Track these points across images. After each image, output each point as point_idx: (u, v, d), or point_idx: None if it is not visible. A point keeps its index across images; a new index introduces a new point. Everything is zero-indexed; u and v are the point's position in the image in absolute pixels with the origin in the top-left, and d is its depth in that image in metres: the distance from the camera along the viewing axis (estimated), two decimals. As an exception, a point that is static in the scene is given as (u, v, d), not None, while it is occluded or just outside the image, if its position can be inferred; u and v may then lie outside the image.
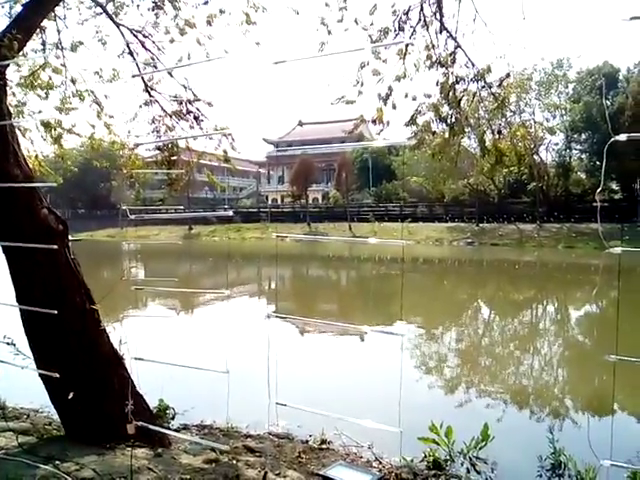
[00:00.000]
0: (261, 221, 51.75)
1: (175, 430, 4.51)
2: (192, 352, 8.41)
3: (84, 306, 3.43)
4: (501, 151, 7.34)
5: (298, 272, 28.25)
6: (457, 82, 7.39)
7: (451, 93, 7.31)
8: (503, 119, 7.83)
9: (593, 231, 37.97)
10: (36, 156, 8.20)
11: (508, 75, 6.50)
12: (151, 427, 3.24)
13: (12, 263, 3.40)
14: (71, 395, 3.05)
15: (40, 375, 3.33)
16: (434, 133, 8.07)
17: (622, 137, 2.22)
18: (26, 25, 4.08)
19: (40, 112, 8.67)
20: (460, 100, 7.46)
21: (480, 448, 4.46)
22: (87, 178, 56.48)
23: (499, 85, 6.48)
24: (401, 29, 7.41)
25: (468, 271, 29.46)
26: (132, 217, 2.84)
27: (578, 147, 46.66)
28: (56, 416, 4.04)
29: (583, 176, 46.62)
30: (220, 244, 47.99)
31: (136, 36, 7.86)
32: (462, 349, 11.29)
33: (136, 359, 2.77)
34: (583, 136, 44.95)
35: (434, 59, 7.31)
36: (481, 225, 43.88)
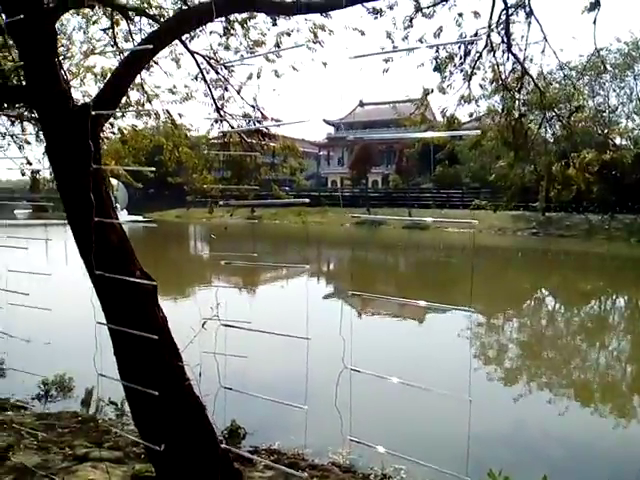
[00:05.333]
0: (321, 205, 51.99)
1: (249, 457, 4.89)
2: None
3: (172, 362, 3.82)
4: (569, 176, 7.24)
5: (359, 257, 28.81)
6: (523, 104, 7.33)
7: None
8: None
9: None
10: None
11: (577, 109, 6.40)
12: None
13: (113, 331, 3.77)
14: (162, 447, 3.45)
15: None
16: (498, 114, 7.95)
17: None
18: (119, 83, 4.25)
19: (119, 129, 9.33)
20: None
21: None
22: (156, 160, 58.61)
23: (568, 117, 6.39)
24: (467, 54, 7.41)
25: (532, 260, 29.12)
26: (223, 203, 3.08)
27: (657, 132, 43.66)
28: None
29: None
30: (282, 227, 48.77)
31: (209, 62, 8.23)
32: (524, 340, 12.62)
33: (225, 388, 2.96)
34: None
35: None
36: (547, 214, 42.12)
